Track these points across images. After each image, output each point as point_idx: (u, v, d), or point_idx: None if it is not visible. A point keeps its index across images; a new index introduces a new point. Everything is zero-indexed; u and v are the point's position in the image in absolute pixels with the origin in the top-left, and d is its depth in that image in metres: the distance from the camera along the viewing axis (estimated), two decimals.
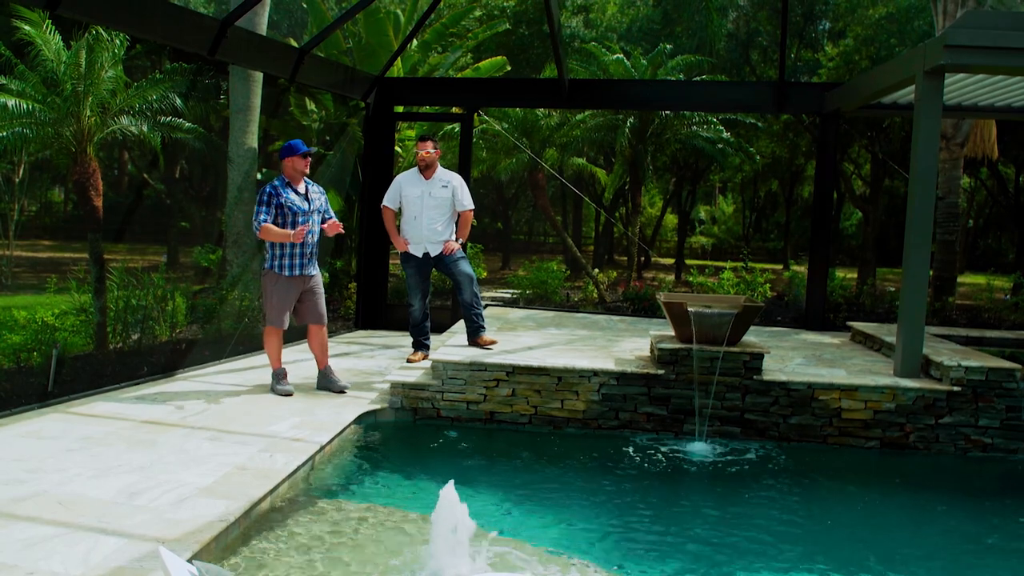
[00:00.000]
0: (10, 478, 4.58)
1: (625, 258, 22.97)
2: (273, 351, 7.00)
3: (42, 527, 3.96)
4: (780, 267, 26.67)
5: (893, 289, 14.46)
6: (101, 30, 9.19)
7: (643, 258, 26.28)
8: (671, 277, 24.08)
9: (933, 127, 6.98)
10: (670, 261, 30.87)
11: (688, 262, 27.60)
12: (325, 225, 7.05)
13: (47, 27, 9.25)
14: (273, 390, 6.95)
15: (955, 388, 6.61)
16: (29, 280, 17.07)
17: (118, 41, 9.38)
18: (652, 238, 33.99)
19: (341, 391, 7.06)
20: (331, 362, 7.29)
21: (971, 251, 31.95)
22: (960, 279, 19.80)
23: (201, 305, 10.00)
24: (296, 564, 4.04)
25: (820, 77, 20.51)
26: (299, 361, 7.90)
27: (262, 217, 6.72)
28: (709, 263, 26.02)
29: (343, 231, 7.19)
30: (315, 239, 6.97)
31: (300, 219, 6.80)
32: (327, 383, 7.15)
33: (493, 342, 7.49)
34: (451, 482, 3.97)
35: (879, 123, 19.67)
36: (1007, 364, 6.73)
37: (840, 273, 15.54)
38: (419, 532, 4.48)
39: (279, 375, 7.00)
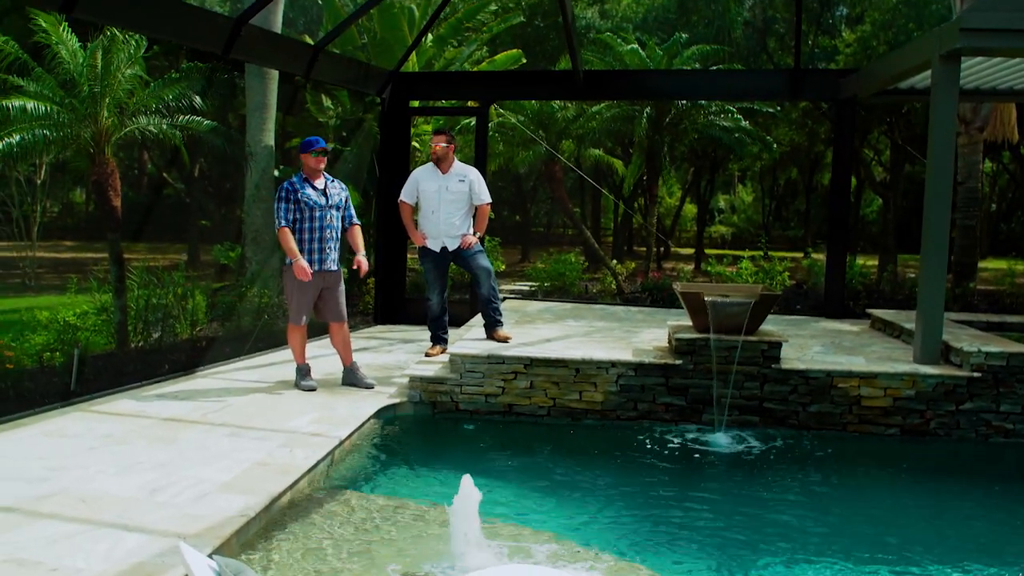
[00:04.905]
0: (34, 476, 4.65)
1: (643, 249, 22.91)
2: (296, 347, 7.06)
3: (65, 524, 4.01)
4: (800, 255, 26.49)
5: (913, 275, 14.36)
6: (116, 31, 9.26)
7: (663, 248, 26.18)
8: (690, 267, 24.00)
9: (949, 112, 6.91)
10: (690, 251, 30.69)
11: (708, 252, 27.46)
12: (355, 265, 7.11)
13: (63, 29, 9.31)
14: (297, 386, 7.01)
15: (975, 374, 6.55)
16: (52, 281, 17.23)
17: (133, 42, 9.44)
18: (671, 228, 33.84)
19: (368, 387, 7.09)
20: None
21: (994, 236, 31.61)
22: (983, 264, 19.61)
23: (221, 302, 10.07)
24: (316, 558, 4.07)
25: (838, 64, 20.33)
26: (321, 356, 7.94)
27: (282, 214, 6.80)
28: (729, 252, 25.88)
29: (366, 270, 7.24)
30: (334, 235, 7.01)
31: (318, 214, 6.86)
32: (353, 379, 7.18)
33: (508, 338, 7.46)
34: (467, 476, 4.00)
35: (898, 109, 19.48)
36: None
37: (861, 260, 15.44)
38: (438, 524, 4.50)
39: (303, 371, 7.06)
